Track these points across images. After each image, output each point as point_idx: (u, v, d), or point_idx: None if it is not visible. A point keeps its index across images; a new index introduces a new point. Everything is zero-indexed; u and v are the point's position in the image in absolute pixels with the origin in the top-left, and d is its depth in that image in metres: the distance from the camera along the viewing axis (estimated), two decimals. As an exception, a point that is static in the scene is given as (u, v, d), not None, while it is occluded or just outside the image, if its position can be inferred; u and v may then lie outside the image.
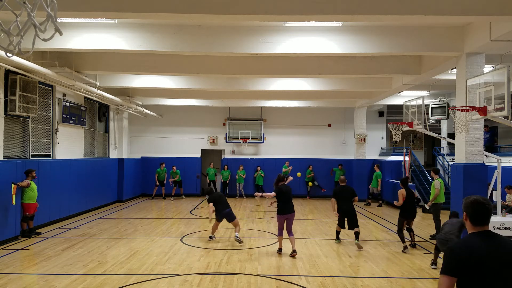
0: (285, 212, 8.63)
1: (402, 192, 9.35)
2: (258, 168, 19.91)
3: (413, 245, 9.49)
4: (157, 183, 19.01)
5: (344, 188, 9.75)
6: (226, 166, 19.75)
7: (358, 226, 9.48)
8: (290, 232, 8.67)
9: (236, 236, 9.62)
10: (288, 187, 8.77)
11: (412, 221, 9.71)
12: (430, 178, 16.11)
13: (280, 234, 8.76)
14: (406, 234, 9.54)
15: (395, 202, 9.53)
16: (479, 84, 8.58)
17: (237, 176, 19.79)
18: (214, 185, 19.85)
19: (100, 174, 15.57)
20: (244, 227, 11.97)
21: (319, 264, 7.98)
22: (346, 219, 9.60)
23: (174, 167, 19.22)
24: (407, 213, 9.36)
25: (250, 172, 20.25)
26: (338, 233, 10.02)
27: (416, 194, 10.15)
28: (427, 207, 10.45)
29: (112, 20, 8.81)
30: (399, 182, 16.70)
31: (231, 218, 9.79)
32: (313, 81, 14.15)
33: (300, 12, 6.65)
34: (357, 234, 9.42)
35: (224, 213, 9.76)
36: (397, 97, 16.89)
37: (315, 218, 13.84)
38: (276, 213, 8.89)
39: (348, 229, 9.56)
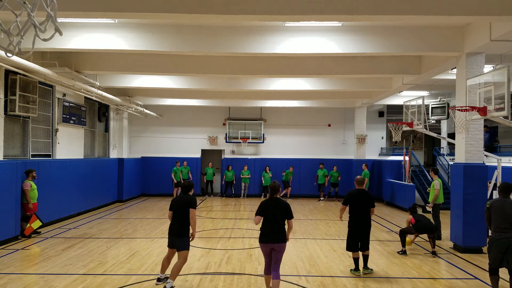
0: (264, 239, 5.82)
1: (408, 218, 9.03)
2: (267, 169, 19.78)
3: (433, 253, 8.79)
4: (175, 181, 18.56)
5: (361, 193, 7.27)
6: (230, 166, 19.72)
7: (368, 248, 7.41)
8: (275, 272, 5.82)
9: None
10: (278, 203, 5.86)
11: (433, 236, 8.88)
12: (429, 178, 16.12)
13: (266, 271, 5.96)
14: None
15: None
16: (479, 84, 8.58)
17: (241, 176, 19.74)
18: (211, 185, 19.85)
19: (100, 174, 15.57)
20: (244, 227, 11.97)
21: (319, 264, 7.98)
22: (359, 237, 7.24)
23: (185, 162, 19.06)
24: (419, 230, 8.86)
25: (251, 172, 20.22)
26: (356, 260, 7.36)
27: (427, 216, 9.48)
28: (428, 208, 10.28)
29: (112, 20, 8.82)
30: (399, 182, 16.92)
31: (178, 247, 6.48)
32: (313, 81, 14.15)
33: (300, 12, 6.65)
34: (366, 258, 7.43)
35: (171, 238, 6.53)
36: (397, 97, 16.90)
37: (315, 218, 13.84)
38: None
39: (359, 250, 7.36)
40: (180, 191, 6.86)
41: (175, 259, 6.61)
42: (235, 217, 13.82)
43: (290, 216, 5.83)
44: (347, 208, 7.40)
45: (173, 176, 18.70)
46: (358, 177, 7.53)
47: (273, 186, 5.94)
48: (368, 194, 7.34)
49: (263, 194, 19.95)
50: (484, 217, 6.48)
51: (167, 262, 6.73)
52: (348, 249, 7.37)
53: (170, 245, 6.60)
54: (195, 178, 20.12)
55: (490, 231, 6.11)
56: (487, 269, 6.17)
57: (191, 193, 6.63)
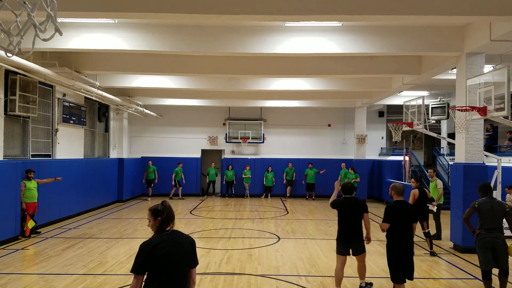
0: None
1: (414, 192, 8.84)
2: (270, 169, 19.81)
3: (432, 254, 8.76)
4: (174, 183, 18.83)
5: (402, 206, 5.70)
6: (230, 166, 19.75)
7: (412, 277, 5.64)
8: None
9: None
10: (181, 241, 3.35)
11: (426, 223, 8.81)
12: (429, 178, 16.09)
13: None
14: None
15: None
16: (479, 84, 8.58)
17: (243, 176, 19.76)
18: (214, 185, 19.88)
19: (100, 174, 15.57)
20: (244, 227, 11.97)
21: (319, 264, 7.98)
22: (406, 264, 5.57)
23: (150, 162, 18.88)
24: (417, 213, 8.60)
25: (251, 172, 20.22)
26: None
27: (430, 194, 9.45)
28: (432, 207, 10.05)
29: (112, 20, 8.81)
30: (399, 182, 16.87)
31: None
32: (313, 81, 14.15)
33: (300, 12, 6.65)
34: None
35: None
36: (397, 97, 16.90)
37: (315, 218, 13.83)
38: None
39: (408, 278, 5.61)
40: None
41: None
42: (235, 217, 13.82)
43: (194, 262, 3.41)
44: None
45: (174, 177, 18.85)
46: (397, 184, 5.90)
47: (164, 211, 3.35)
48: (410, 207, 5.85)
49: (264, 194, 20.00)
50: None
51: (342, 272, 6.32)
52: (394, 280, 5.67)
53: (346, 252, 6.24)
54: (195, 178, 20.12)
55: (470, 229, 6.17)
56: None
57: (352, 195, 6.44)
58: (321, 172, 19.33)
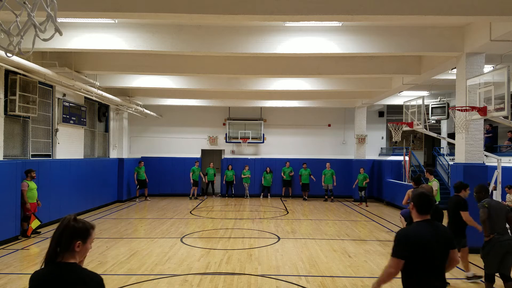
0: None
1: (408, 192, 8.91)
2: (268, 169, 19.84)
3: None
4: (192, 181, 19.01)
5: (432, 230, 3.58)
6: (230, 166, 19.77)
7: None
8: None
9: None
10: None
11: None
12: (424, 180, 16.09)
13: None
14: None
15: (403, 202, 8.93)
16: (479, 84, 8.58)
17: (243, 176, 19.79)
18: (213, 185, 19.89)
19: (100, 174, 15.57)
20: (244, 227, 11.97)
21: (319, 264, 7.98)
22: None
23: (142, 162, 18.66)
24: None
25: (251, 172, 20.23)
26: None
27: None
28: None
29: (112, 20, 8.81)
30: (399, 182, 16.91)
31: None
32: (313, 81, 14.15)
33: (300, 12, 6.65)
34: None
35: None
36: (397, 97, 16.90)
37: (315, 218, 13.84)
38: None
39: None
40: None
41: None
42: (235, 217, 13.82)
43: None
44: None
45: (191, 175, 18.99)
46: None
47: (56, 230, 2.52)
48: (444, 230, 3.74)
49: (262, 194, 20.02)
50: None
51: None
52: None
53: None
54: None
55: (485, 233, 5.78)
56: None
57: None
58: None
